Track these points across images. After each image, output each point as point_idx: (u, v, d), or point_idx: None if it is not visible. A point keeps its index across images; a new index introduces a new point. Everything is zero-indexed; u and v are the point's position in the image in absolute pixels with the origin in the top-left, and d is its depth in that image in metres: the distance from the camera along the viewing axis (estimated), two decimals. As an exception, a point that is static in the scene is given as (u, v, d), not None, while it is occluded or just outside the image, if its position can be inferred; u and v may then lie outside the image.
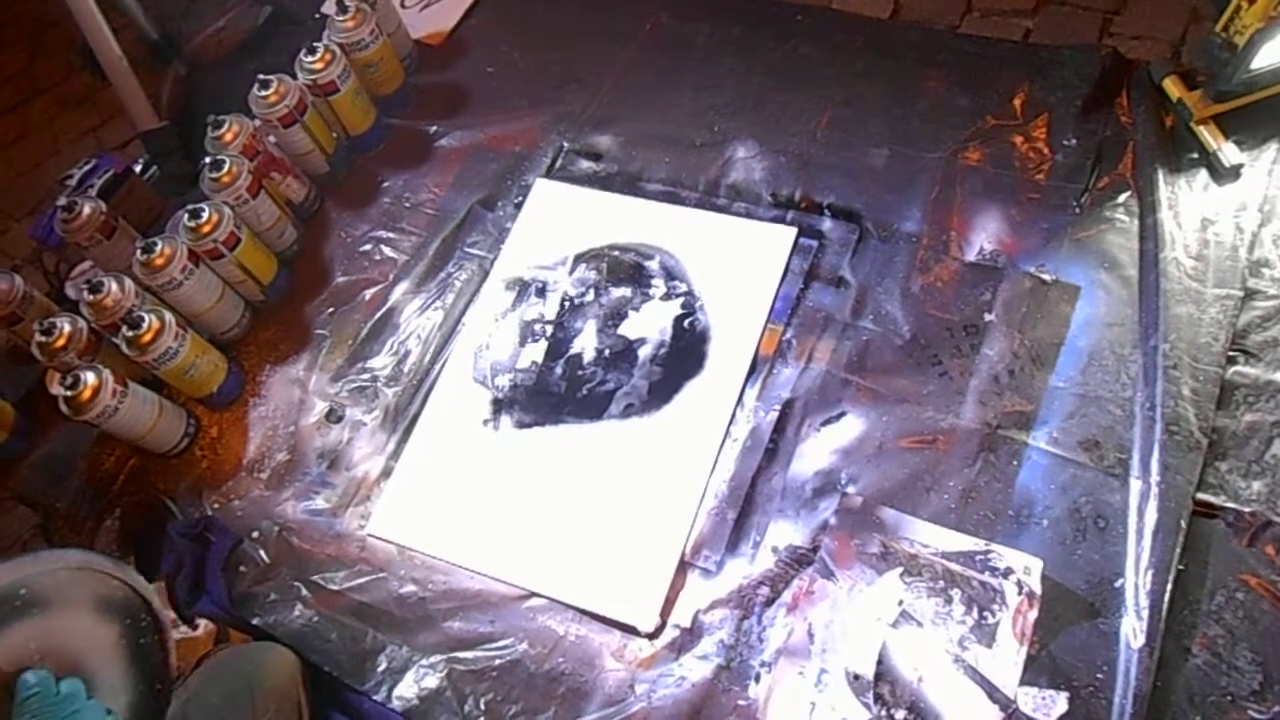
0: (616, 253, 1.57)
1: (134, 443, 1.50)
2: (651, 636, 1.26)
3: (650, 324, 1.48)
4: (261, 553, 1.43)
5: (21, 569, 0.87)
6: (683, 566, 1.29)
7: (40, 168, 2.60)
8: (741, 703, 1.19)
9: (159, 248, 1.46)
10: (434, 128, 1.81)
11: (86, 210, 1.57)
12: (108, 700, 0.91)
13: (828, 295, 1.45)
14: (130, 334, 1.41)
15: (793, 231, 1.50)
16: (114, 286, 1.45)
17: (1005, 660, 1.12)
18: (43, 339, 1.45)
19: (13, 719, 0.83)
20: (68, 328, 1.46)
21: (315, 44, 1.63)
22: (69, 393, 1.37)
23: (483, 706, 1.25)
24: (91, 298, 1.45)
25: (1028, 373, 1.31)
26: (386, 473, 1.47)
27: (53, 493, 1.58)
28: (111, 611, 0.94)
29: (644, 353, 1.46)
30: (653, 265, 1.54)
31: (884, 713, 1.12)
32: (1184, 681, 1.09)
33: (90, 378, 1.38)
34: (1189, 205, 1.36)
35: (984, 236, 1.43)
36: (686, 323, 1.47)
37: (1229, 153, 1.36)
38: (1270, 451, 1.19)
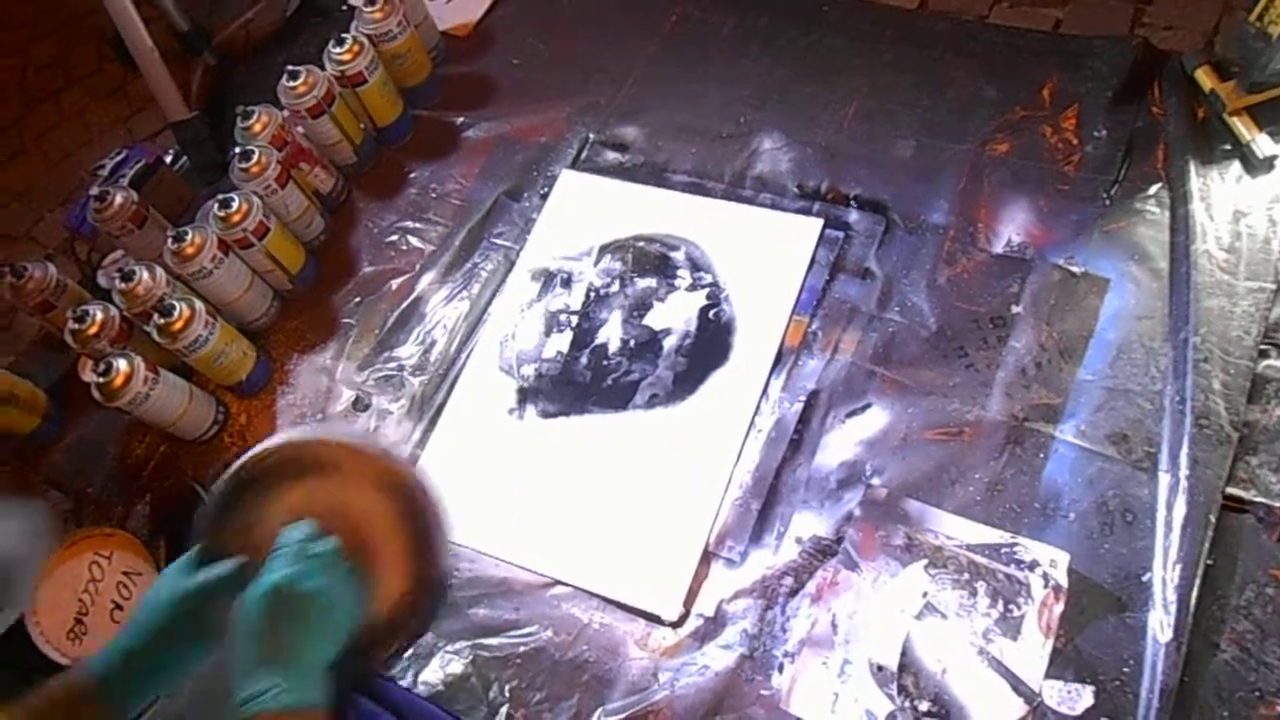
0: (642, 243, 1.57)
1: (164, 429, 1.52)
2: (675, 625, 1.26)
3: (675, 315, 1.49)
4: (289, 539, 1.44)
5: (320, 433, 0.95)
6: (707, 556, 1.29)
7: (72, 158, 2.65)
8: (764, 692, 1.19)
9: (189, 237, 1.47)
10: (460, 119, 1.81)
11: (118, 200, 1.59)
12: (389, 572, 0.93)
13: (853, 287, 1.44)
14: (161, 322, 1.43)
15: (819, 223, 1.49)
16: (145, 275, 1.47)
17: (1030, 653, 1.11)
18: (75, 326, 1.47)
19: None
20: (100, 315, 1.48)
21: (343, 35, 1.63)
22: (101, 379, 1.39)
23: (507, 693, 1.26)
24: (123, 286, 1.47)
25: (1055, 365, 1.30)
26: (412, 461, 1.48)
27: (84, 478, 1.60)
28: (393, 489, 0.96)
29: (669, 343, 1.46)
30: (678, 256, 1.54)
31: (907, 704, 1.12)
32: (1211, 677, 1.08)
33: (122, 365, 1.40)
34: (1221, 197, 1.34)
35: (1012, 228, 1.42)
36: (712, 314, 1.47)
37: (1263, 144, 1.34)
38: (1302, 446, 1.18)
